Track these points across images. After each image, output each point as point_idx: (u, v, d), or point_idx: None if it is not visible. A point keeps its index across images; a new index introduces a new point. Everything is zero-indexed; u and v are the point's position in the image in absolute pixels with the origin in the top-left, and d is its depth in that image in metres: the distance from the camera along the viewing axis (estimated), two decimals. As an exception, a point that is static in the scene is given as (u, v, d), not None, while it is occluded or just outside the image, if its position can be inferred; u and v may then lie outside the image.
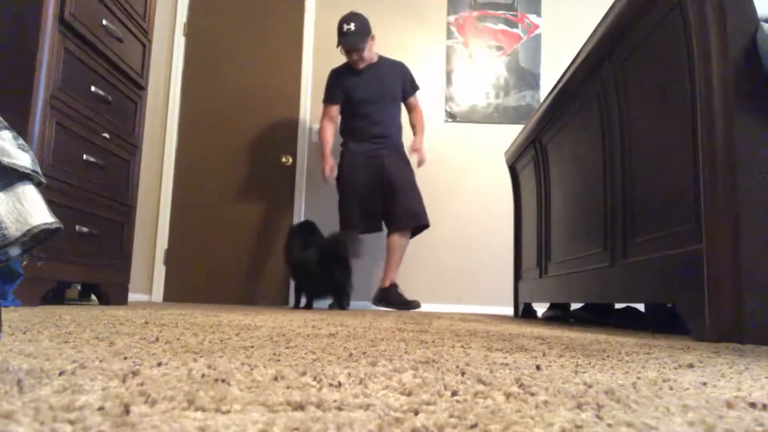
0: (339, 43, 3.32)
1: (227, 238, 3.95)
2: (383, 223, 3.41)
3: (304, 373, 0.49)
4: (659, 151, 1.52)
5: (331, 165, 3.41)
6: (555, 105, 2.31)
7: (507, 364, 0.63)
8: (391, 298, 3.29)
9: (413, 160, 3.44)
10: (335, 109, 3.48)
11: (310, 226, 3.08)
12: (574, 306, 2.77)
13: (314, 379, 0.47)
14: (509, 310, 3.73)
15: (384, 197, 3.35)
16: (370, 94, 3.40)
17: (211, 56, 4.12)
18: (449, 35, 4.12)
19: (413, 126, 3.55)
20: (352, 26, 3.26)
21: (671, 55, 1.44)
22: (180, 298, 3.90)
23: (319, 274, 2.89)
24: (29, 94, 1.91)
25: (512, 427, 0.32)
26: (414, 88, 3.55)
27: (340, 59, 3.96)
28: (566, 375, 0.56)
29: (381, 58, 3.51)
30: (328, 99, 3.48)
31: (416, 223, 3.32)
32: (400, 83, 3.48)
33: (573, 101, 2.15)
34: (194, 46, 4.12)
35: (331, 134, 3.47)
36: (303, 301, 3.06)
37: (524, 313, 2.97)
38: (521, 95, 4.06)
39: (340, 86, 3.44)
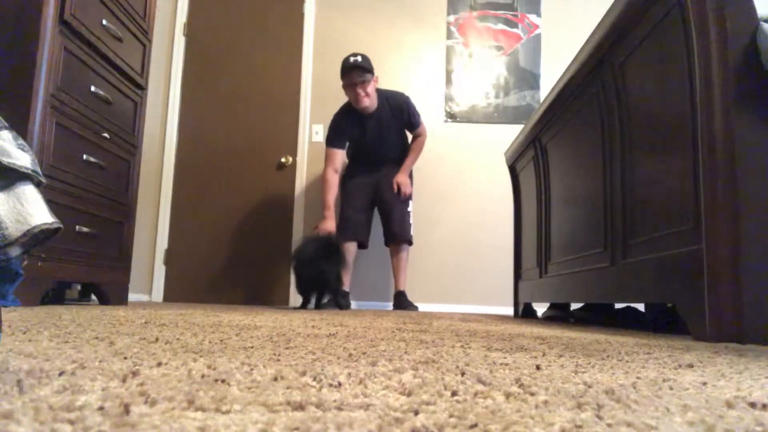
0: (343, 75, 3.22)
1: (227, 238, 3.95)
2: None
3: (304, 373, 0.49)
4: (659, 150, 1.52)
5: (331, 229, 3.27)
6: (555, 105, 2.31)
7: (507, 364, 0.63)
8: (399, 303, 3.46)
9: (394, 190, 3.44)
10: (339, 156, 3.37)
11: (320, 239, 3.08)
12: (574, 306, 2.77)
13: (314, 379, 0.47)
14: (509, 310, 3.73)
15: (379, 210, 3.50)
16: (372, 141, 3.41)
17: (211, 56, 4.12)
18: (449, 35, 4.12)
19: (409, 151, 3.52)
20: (359, 58, 3.19)
21: (671, 55, 1.44)
22: (180, 298, 3.90)
23: (310, 272, 2.91)
24: (29, 94, 1.91)
25: (512, 427, 0.32)
26: (416, 125, 3.47)
27: (340, 60, 3.95)
28: (566, 375, 0.56)
29: (381, 101, 3.36)
30: (332, 143, 3.37)
31: (403, 239, 3.42)
32: (401, 124, 3.45)
33: (573, 101, 2.15)
34: (194, 46, 4.12)
35: (334, 191, 3.33)
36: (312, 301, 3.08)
37: (524, 313, 2.97)
38: (521, 95, 4.06)
39: (345, 133, 3.38)
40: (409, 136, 3.58)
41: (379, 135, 3.40)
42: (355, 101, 3.27)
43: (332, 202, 3.31)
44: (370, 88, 3.24)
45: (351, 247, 3.36)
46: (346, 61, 3.23)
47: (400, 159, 3.51)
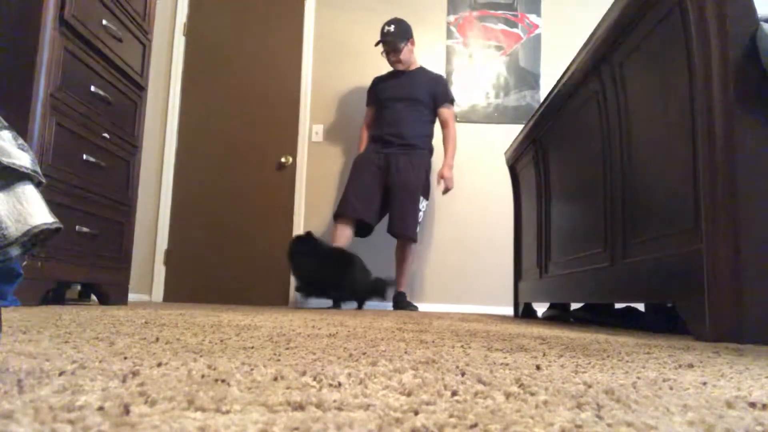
0: (378, 43, 3.49)
1: (227, 238, 3.95)
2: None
3: (304, 373, 0.49)
4: (659, 150, 1.52)
5: None
6: (555, 105, 2.31)
7: (507, 364, 0.63)
8: (399, 305, 3.43)
9: (438, 184, 3.54)
10: (371, 114, 3.67)
11: (309, 237, 3.17)
12: (574, 306, 2.77)
13: (314, 379, 0.47)
14: (509, 310, 3.73)
15: (386, 197, 3.42)
16: (394, 95, 3.48)
17: (211, 56, 4.11)
18: (449, 35, 4.12)
19: (444, 145, 3.56)
20: (392, 28, 3.44)
21: (671, 55, 1.44)
22: (180, 298, 3.90)
23: (319, 277, 3.07)
24: (29, 94, 1.91)
25: (512, 427, 0.32)
26: (446, 98, 3.53)
27: (340, 60, 3.96)
28: (566, 375, 0.56)
29: (420, 68, 3.61)
30: (367, 102, 3.71)
31: (400, 233, 3.35)
32: (428, 90, 3.49)
33: (573, 101, 2.15)
34: (194, 46, 4.12)
35: (366, 138, 3.66)
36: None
37: (524, 313, 2.97)
38: (521, 95, 4.06)
39: (374, 89, 3.63)
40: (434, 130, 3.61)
41: (402, 92, 3.47)
42: (391, 65, 3.57)
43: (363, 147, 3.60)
44: (404, 55, 3.49)
45: (345, 232, 3.31)
46: (382, 29, 3.49)
47: (415, 144, 3.45)
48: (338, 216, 3.34)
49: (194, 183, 4.00)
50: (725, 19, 1.23)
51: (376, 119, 3.59)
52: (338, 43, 4.07)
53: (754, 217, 1.18)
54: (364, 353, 0.70)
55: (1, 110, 1.25)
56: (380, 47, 3.53)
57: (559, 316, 2.69)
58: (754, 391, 0.49)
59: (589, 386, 0.48)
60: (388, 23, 3.47)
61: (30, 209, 0.61)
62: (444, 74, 4.08)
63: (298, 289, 3.28)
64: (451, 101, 3.59)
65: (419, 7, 4.13)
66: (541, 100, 3.84)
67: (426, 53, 4.10)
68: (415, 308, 3.43)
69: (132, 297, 3.70)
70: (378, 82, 3.64)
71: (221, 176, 4.01)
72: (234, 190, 3.99)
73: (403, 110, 3.45)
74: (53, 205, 1.99)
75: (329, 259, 3.11)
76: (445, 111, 3.53)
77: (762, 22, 1.23)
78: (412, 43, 3.53)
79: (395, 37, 3.43)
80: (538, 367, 0.61)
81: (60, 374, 0.45)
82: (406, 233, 3.33)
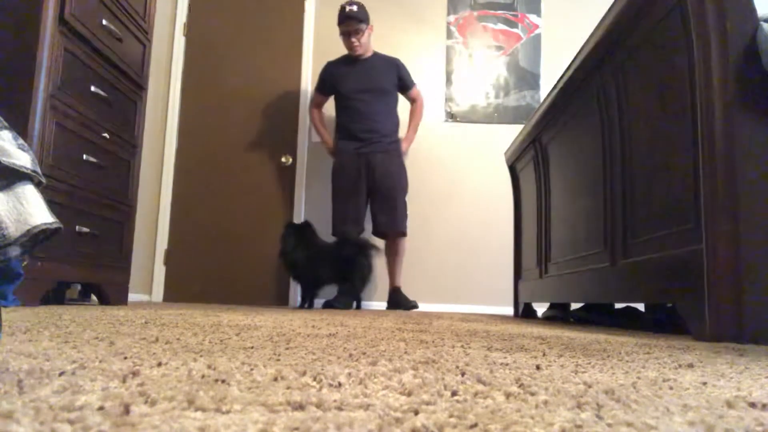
0: (339, 23, 3.43)
1: (227, 237, 3.95)
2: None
3: (304, 373, 0.49)
4: (659, 150, 1.52)
5: (330, 145, 3.60)
6: (555, 105, 2.31)
7: (507, 364, 0.63)
8: (397, 300, 3.43)
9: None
10: (322, 100, 3.68)
11: (305, 226, 3.14)
12: (574, 306, 2.77)
13: (314, 379, 0.47)
14: (509, 310, 3.73)
15: (371, 197, 3.45)
16: (357, 85, 3.45)
17: (211, 56, 4.11)
18: (449, 35, 4.12)
19: (410, 118, 3.64)
20: (354, 8, 3.40)
21: (671, 55, 1.44)
22: (180, 298, 3.90)
23: (314, 273, 3.06)
24: (29, 94, 1.90)
25: (512, 427, 0.32)
26: (411, 80, 3.61)
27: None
28: (566, 375, 0.56)
29: (375, 54, 3.58)
30: (318, 88, 3.66)
31: (393, 230, 3.40)
32: (391, 77, 3.51)
33: (573, 101, 2.15)
34: (194, 46, 4.12)
35: (319, 117, 3.69)
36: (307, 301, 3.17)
37: (524, 313, 2.97)
38: (521, 95, 4.06)
39: (331, 77, 3.56)
40: (403, 115, 3.62)
41: (369, 83, 3.44)
42: (348, 48, 3.49)
43: (321, 127, 3.67)
44: (364, 38, 3.45)
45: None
46: (342, 9, 3.43)
47: (390, 139, 3.47)
48: (335, 235, 3.41)
49: (194, 183, 4.00)
50: (725, 19, 1.23)
51: (340, 113, 3.55)
52: (338, 43, 4.06)
53: (754, 217, 1.18)
54: (364, 353, 0.70)
55: (1, 110, 1.25)
56: (338, 31, 3.52)
57: (559, 316, 2.69)
58: (754, 391, 0.49)
59: (589, 386, 0.48)
60: (350, 3, 3.42)
61: (30, 209, 0.61)
62: (444, 74, 4.09)
63: (327, 303, 3.18)
64: (413, 83, 3.64)
65: (419, 7, 4.13)
66: (541, 100, 3.85)
67: (426, 53, 4.10)
68: (415, 304, 3.41)
69: (132, 297, 3.70)
70: (333, 69, 3.56)
71: (221, 176, 4.01)
72: (234, 190, 3.99)
73: (372, 102, 3.44)
74: (53, 205, 1.99)
75: (332, 251, 3.10)
76: (413, 91, 3.62)
77: (762, 22, 1.23)
78: (371, 29, 3.51)
79: (358, 16, 3.40)
80: (538, 367, 0.61)
81: (60, 374, 0.45)
82: (399, 229, 3.40)
